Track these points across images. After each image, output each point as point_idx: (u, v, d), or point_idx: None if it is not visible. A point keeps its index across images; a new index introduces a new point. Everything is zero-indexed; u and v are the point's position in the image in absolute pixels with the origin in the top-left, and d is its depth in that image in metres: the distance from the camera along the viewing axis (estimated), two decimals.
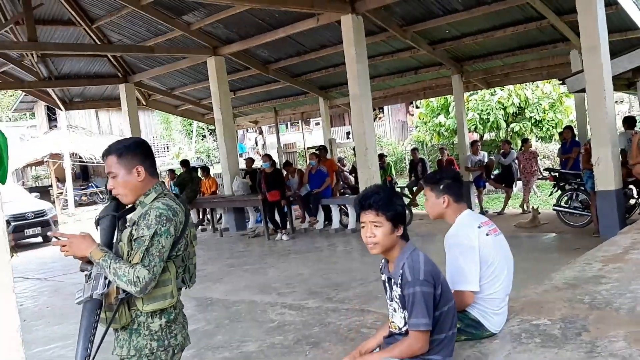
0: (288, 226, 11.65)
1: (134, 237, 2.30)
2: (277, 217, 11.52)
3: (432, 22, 11.48)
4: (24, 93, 23.18)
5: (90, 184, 26.29)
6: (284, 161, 17.91)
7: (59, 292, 8.74)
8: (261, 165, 12.63)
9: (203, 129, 31.93)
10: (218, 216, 14.09)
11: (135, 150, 2.47)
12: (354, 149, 13.76)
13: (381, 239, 2.41)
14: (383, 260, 2.60)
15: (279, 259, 9.40)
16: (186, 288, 2.52)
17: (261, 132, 31.90)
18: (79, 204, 24.09)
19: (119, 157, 2.43)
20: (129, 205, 2.53)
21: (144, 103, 17.75)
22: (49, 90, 15.81)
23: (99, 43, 13.25)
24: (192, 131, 31.78)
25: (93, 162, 24.50)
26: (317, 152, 12.98)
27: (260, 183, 11.55)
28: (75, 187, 24.34)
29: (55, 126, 27.16)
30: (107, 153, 2.47)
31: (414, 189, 13.66)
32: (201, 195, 14.09)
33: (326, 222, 11.96)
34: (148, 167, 2.47)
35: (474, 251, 2.70)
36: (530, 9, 10.59)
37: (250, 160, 14.77)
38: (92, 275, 2.32)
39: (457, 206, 2.86)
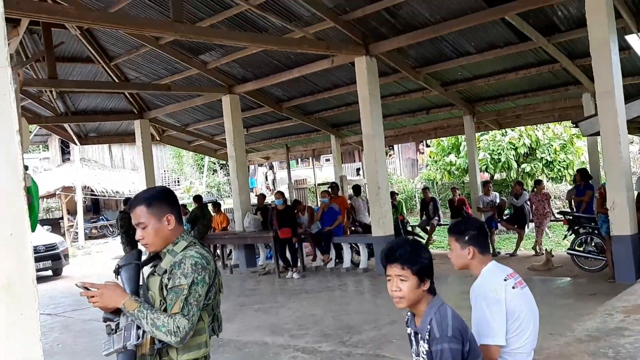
0: (299, 264, 11.59)
1: (170, 286, 2.29)
2: (288, 255, 11.48)
3: (445, 64, 11.64)
4: (38, 126, 23.52)
5: (100, 217, 26.40)
6: (294, 197, 17.95)
7: (70, 329, 8.68)
8: (273, 202, 12.66)
9: (214, 163, 32.15)
10: (228, 252, 14.06)
11: (163, 199, 2.48)
12: (352, 188, 13.76)
13: (407, 293, 2.40)
14: (409, 313, 2.58)
15: (290, 298, 9.33)
16: (216, 336, 2.51)
17: (271, 168, 32.08)
18: (89, 237, 24.16)
19: (148, 206, 2.42)
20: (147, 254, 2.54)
21: (158, 138, 17.97)
22: (65, 125, 16.05)
23: (116, 80, 13.50)
24: (203, 166, 32.00)
25: (104, 196, 24.67)
26: (328, 189, 13.02)
27: (272, 220, 11.56)
28: (85, 220, 24.45)
29: (69, 159, 27.47)
30: (135, 204, 2.45)
31: (427, 227, 13.62)
32: (212, 231, 14.09)
33: (337, 260, 11.90)
34: (176, 215, 2.47)
35: (501, 304, 2.68)
36: (543, 53, 10.72)
37: (261, 197, 14.81)
38: (122, 326, 2.29)
39: (483, 257, 2.85)
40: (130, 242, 12.30)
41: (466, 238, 2.86)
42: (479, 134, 17.70)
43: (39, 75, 12.87)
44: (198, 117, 16.68)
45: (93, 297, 2.32)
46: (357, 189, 13.43)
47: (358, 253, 11.58)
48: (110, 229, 24.90)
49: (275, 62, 12.24)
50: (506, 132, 18.29)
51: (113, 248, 20.80)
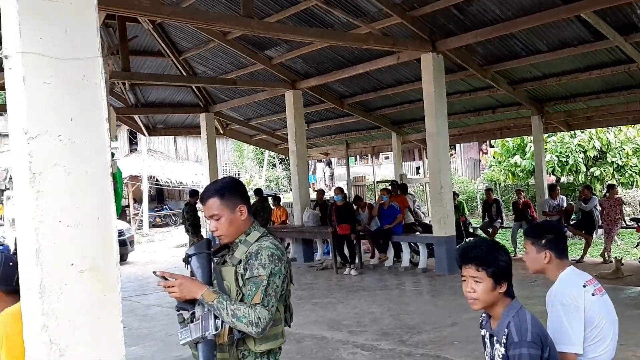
0: (357, 261, 11.57)
1: (247, 277, 2.31)
2: (345, 251, 11.49)
3: (514, 62, 11.30)
4: None
5: (164, 207, 27.21)
6: (353, 194, 17.93)
7: (135, 313, 8.99)
8: (332, 198, 12.70)
9: (274, 157, 32.53)
10: (286, 245, 14.21)
11: (235, 190, 2.49)
12: (399, 187, 13.52)
13: (481, 295, 2.34)
14: (484, 315, 2.52)
15: (347, 295, 9.33)
16: (288, 327, 2.52)
17: (329, 164, 32.14)
18: (152, 225, 24.96)
19: (221, 198, 2.43)
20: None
21: (222, 132, 18.34)
22: (135, 116, 16.61)
23: (184, 74, 13.87)
24: (263, 160, 32.45)
25: (169, 186, 25.41)
26: (388, 187, 12.94)
27: (331, 215, 11.59)
28: (150, 208, 25.27)
29: (136, 149, 28.43)
30: (207, 196, 2.46)
31: (489, 230, 13.31)
32: (271, 224, 14.28)
33: (395, 259, 11.81)
34: (247, 206, 2.48)
35: (579, 311, 2.59)
36: (619, 52, 10.25)
37: (321, 192, 14.87)
38: (199, 316, 2.32)
39: (560, 262, 2.76)
40: (196, 233, 12.61)
41: (543, 242, 2.77)
42: (547, 135, 17.13)
43: (112, 67, 13.37)
44: (261, 111, 16.91)
45: (171, 287, 2.35)
46: (404, 187, 13.33)
47: (417, 252, 11.45)
48: (173, 218, 25.65)
49: (339, 58, 12.24)
50: (575, 134, 17.63)
51: (175, 237, 21.43)
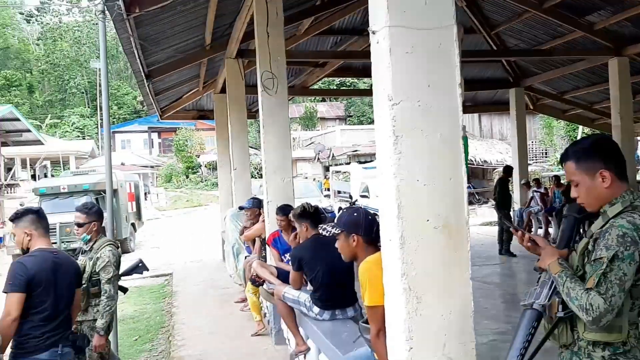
0: None
1: (592, 258, 2.08)
2: None
3: None
4: None
5: (468, 185, 27.35)
6: None
7: None
8: None
9: (587, 134, 29.73)
10: None
11: (594, 152, 2.21)
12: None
13: None
14: None
15: None
16: None
17: None
18: None
19: (577, 162, 2.22)
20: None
21: (531, 107, 17.49)
22: None
23: (495, 49, 13.59)
24: (575, 137, 29.93)
25: (472, 164, 25.45)
26: None
27: None
28: None
29: None
30: (564, 158, 2.29)
31: None
32: None
33: None
34: (614, 170, 2.18)
35: None
36: None
37: None
38: (539, 282, 2.26)
39: None
40: (506, 208, 12.42)
41: None
42: None
43: (462, 34, 13.83)
44: (578, 83, 15.52)
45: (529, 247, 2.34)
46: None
47: None
48: (477, 196, 25.61)
49: None
50: None
51: (479, 215, 21.43)
